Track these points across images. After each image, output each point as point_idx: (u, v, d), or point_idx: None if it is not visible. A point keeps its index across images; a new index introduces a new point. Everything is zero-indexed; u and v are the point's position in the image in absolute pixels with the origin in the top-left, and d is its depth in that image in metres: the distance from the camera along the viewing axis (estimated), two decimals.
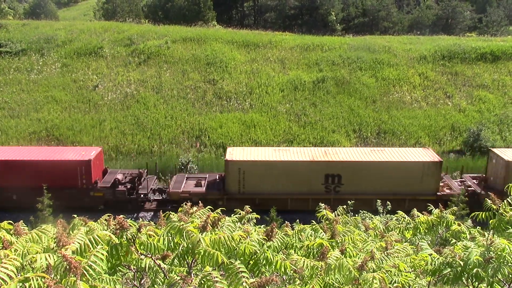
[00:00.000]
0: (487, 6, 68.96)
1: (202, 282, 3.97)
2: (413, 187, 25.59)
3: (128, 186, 26.41)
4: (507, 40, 49.31)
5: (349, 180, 25.84)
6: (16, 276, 3.46)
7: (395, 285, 5.38)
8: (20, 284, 3.43)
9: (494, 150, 27.77)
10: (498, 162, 26.70)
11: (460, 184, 27.80)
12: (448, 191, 26.40)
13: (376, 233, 7.81)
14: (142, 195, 26.63)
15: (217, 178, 27.35)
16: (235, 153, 26.58)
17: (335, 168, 25.84)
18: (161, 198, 27.73)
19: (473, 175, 28.97)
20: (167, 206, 26.39)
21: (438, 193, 25.88)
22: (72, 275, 3.62)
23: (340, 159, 26.00)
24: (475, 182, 27.67)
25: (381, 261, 5.75)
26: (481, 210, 6.37)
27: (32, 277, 3.48)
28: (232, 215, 6.28)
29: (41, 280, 3.49)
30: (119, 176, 26.82)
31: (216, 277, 3.95)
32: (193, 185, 26.90)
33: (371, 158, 26.06)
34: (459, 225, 7.31)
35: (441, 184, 26.83)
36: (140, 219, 23.24)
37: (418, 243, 6.94)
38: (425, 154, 26.65)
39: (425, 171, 25.75)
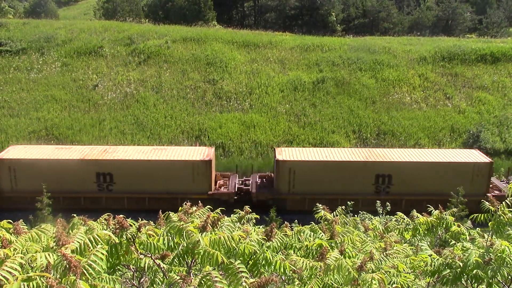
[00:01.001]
0: (487, 7, 69.06)
1: (202, 282, 3.97)
2: (186, 186, 25.83)
3: None
4: (507, 42, 49.31)
5: (121, 179, 25.99)
6: (19, 275, 3.46)
7: (394, 286, 5.38)
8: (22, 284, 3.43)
9: (276, 148, 27.97)
10: (274, 160, 27.10)
11: (241, 183, 28.27)
12: (225, 190, 26.90)
13: (376, 234, 7.82)
14: None
15: None
16: (11, 152, 26.83)
17: (106, 167, 25.97)
18: None
19: (263, 174, 29.14)
20: None
21: (209, 192, 26.23)
22: (72, 274, 3.62)
23: (110, 158, 26.04)
24: (258, 182, 27.83)
25: (380, 262, 5.75)
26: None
27: (35, 277, 3.47)
28: (232, 215, 6.29)
29: (40, 280, 3.49)
30: None
31: (216, 276, 3.95)
32: None
33: (144, 157, 26.12)
34: (458, 226, 7.32)
35: (221, 183, 27.43)
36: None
37: (418, 244, 6.94)
38: (199, 153, 26.76)
39: (195, 170, 26.00)
